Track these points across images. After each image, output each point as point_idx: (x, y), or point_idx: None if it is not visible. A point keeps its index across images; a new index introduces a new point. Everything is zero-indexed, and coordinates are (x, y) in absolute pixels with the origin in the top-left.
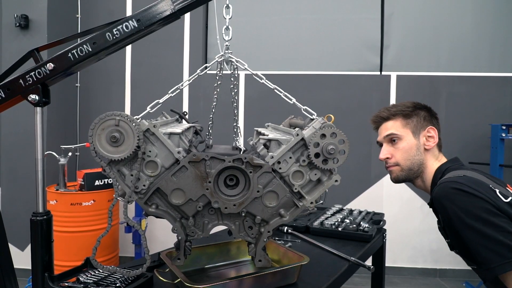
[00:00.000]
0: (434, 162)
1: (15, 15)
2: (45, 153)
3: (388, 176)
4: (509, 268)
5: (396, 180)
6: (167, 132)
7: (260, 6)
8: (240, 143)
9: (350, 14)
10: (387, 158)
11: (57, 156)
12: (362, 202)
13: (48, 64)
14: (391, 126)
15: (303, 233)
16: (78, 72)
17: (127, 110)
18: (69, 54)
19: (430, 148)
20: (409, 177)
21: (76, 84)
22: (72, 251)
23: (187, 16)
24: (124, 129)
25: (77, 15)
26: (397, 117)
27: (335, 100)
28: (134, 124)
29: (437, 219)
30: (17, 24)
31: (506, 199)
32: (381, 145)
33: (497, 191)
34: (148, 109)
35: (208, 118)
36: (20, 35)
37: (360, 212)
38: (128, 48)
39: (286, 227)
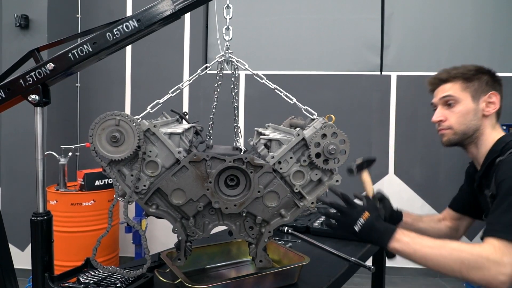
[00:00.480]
0: (491, 130)
1: (15, 15)
2: (45, 153)
3: (388, 176)
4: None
5: (447, 143)
6: (167, 132)
7: (260, 6)
8: (241, 143)
9: (350, 14)
10: (441, 120)
11: (57, 156)
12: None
13: (48, 64)
14: (449, 88)
15: (303, 233)
16: (78, 72)
17: (127, 110)
18: (69, 54)
19: (489, 114)
20: (462, 142)
21: (76, 84)
22: (72, 251)
23: (187, 16)
24: (125, 129)
25: (77, 15)
26: (457, 79)
27: (335, 100)
28: (134, 124)
29: (484, 190)
30: (17, 24)
31: None
32: (435, 107)
33: None
34: (148, 109)
35: (208, 118)
36: (20, 35)
37: None
38: (129, 48)
39: (286, 227)
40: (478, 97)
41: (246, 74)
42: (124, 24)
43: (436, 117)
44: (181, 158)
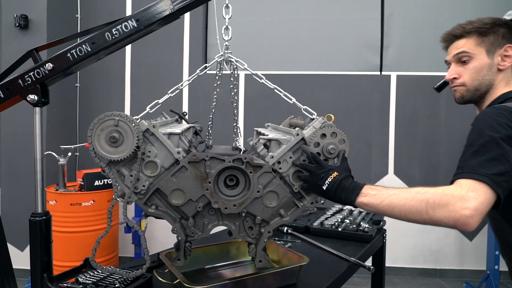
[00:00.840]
0: (504, 86)
1: (15, 15)
2: (45, 153)
3: (388, 176)
4: (465, 176)
5: (460, 100)
6: (166, 132)
7: (260, 6)
8: (240, 143)
9: (350, 14)
10: (454, 78)
11: (57, 156)
12: None
13: (47, 64)
14: (463, 44)
15: (303, 233)
16: (78, 72)
17: (127, 110)
18: (68, 54)
19: (505, 68)
20: (474, 98)
21: (76, 84)
22: (72, 252)
23: (186, 15)
24: (124, 129)
25: (76, 15)
26: (472, 34)
27: (335, 100)
28: (133, 124)
29: None
30: (17, 24)
31: None
32: (449, 65)
33: None
34: (147, 109)
35: (208, 118)
36: (19, 35)
37: (360, 212)
38: (128, 48)
39: (286, 227)
40: (493, 51)
41: (245, 74)
42: (123, 24)
43: (449, 74)
44: (180, 158)
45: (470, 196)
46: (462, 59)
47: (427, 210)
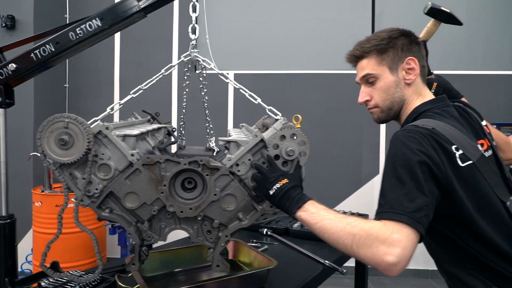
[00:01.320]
0: (417, 99)
1: (1, 16)
2: (31, 154)
3: (378, 176)
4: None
5: (378, 121)
6: (121, 134)
7: (252, 5)
8: (213, 144)
9: (340, 12)
10: (367, 100)
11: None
12: (354, 203)
13: (10, 65)
14: (366, 66)
15: (282, 235)
16: (67, 73)
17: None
18: (32, 54)
19: (412, 81)
20: (390, 117)
21: (65, 85)
22: (57, 254)
23: (175, 15)
24: (74, 131)
25: (65, 15)
26: (371, 54)
27: (326, 99)
28: (84, 126)
29: None
30: (3, 25)
31: (462, 163)
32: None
33: (458, 154)
34: (108, 110)
35: (196, 118)
36: (6, 35)
37: (345, 213)
38: (117, 48)
39: (265, 229)
40: (396, 67)
41: (235, 74)
42: (87, 24)
43: (361, 98)
44: (134, 161)
45: (394, 239)
46: (369, 81)
47: (352, 245)
